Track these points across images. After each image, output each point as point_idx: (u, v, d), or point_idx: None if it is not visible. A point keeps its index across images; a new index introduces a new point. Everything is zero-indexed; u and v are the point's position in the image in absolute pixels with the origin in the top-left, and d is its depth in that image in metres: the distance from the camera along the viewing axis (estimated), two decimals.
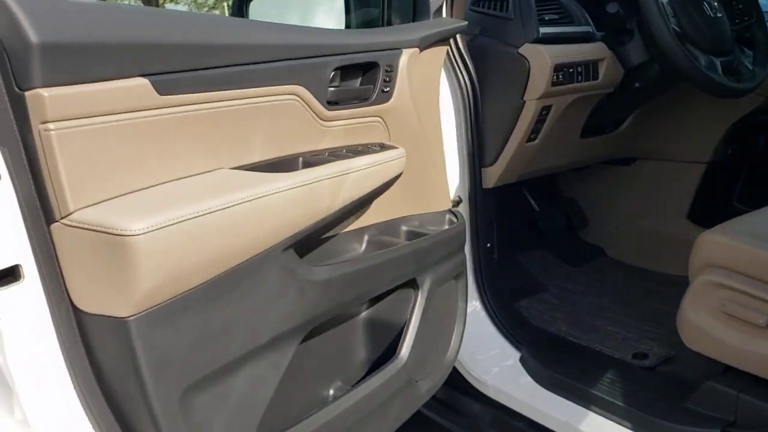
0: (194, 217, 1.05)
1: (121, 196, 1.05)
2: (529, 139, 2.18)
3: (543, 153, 2.27)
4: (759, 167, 2.82)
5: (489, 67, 2.08)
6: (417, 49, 1.69)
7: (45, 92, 0.93)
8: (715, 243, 1.60)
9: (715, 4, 2.22)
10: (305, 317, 1.33)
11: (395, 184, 1.71)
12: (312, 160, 1.42)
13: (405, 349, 1.65)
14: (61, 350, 1.04)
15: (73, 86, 0.96)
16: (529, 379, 2.05)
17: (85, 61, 0.97)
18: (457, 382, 2.16)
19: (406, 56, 1.64)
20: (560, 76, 2.07)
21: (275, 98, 1.33)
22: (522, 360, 2.13)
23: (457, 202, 2.10)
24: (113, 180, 1.04)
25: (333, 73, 1.47)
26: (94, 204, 1.01)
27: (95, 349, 1.06)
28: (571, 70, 2.13)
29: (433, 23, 1.83)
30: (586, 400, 1.84)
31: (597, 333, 2.29)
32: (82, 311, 1.04)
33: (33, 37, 0.91)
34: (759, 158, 2.80)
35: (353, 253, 1.65)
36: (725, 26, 2.26)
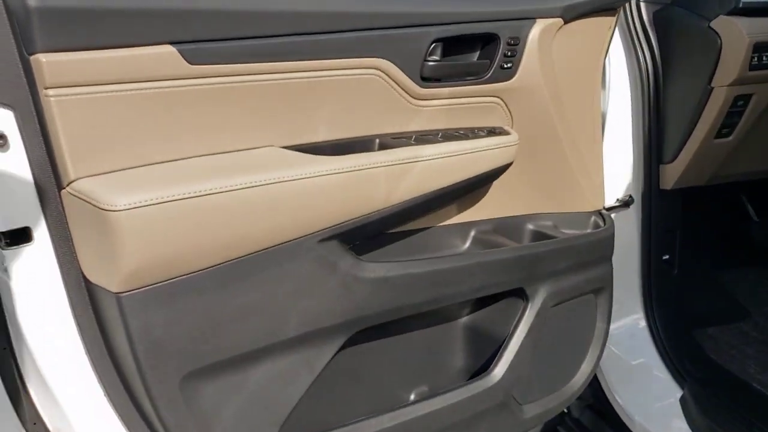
0: (190, 197, 0.96)
1: (132, 168, 1.00)
2: (720, 135, 1.77)
3: (744, 153, 1.84)
4: None
5: (674, 44, 1.72)
6: (559, 20, 1.42)
7: (43, 57, 0.91)
8: None
9: None
10: (350, 316, 1.19)
11: (516, 177, 1.48)
12: (389, 142, 1.26)
13: (502, 366, 1.43)
14: (72, 315, 1.03)
15: (79, 53, 0.92)
16: (684, 425, 1.69)
17: (92, 27, 0.93)
18: (601, 406, 1.87)
19: (539, 28, 1.39)
20: (762, 58, 1.63)
21: (347, 72, 1.19)
22: (682, 400, 1.77)
23: (625, 203, 1.79)
24: (125, 151, 0.99)
25: (432, 46, 1.29)
26: (96, 174, 0.97)
27: (102, 319, 1.04)
28: None
29: None
30: None
31: None
32: (89, 279, 1.03)
33: (32, 1, 0.89)
34: None
35: (452, 250, 1.46)
36: None
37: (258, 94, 1.10)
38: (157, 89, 1.00)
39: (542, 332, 1.51)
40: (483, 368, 1.46)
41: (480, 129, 1.38)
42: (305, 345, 1.16)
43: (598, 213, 1.63)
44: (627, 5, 1.70)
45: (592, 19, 1.50)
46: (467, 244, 1.49)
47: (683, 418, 1.70)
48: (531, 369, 1.51)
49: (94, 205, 0.92)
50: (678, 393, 1.78)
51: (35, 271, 1.00)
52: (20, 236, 0.98)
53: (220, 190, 1.00)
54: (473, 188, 1.38)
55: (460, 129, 1.36)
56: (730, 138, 1.79)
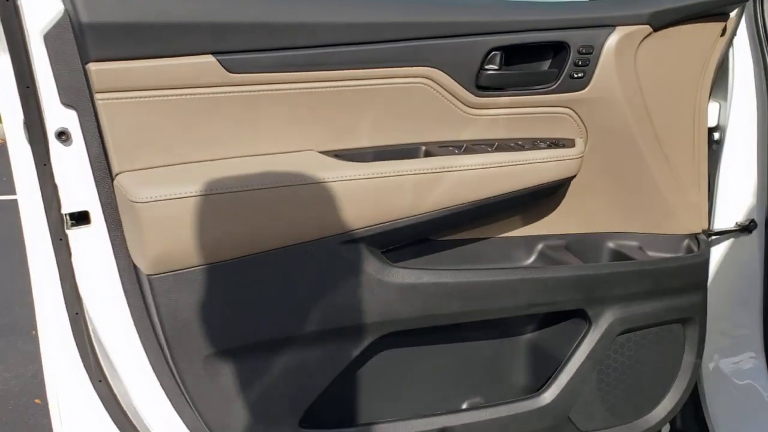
0: (209, 194, 1.06)
1: (169, 165, 1.12)
2: None
3: None
4: None
5: None
6: (646, 27, 1.33)
7: (94, 66, 1.05)
8: None
9: None
10: (375, 318, 1.22)
11: (594, 192, 1.40)
12: (434, 151, 1.26)
13: (555, 389, 1.38)
14: (123, 291, 1.18)
15: (126, 62, 1.06)
16: None
17: (137, 39, 1.05)
18: None
19: (618, 36, 1.31)
20: None
21: (393, 81, 1.22)
22: None
23: (746, 227, 1.61)
24: (165, 150, 1.11)
25: (491, 54, 1.27)
26: (137, 169, 1.10)
27: (144, 297, 1.18)
28: None
29: None
30: None
31: None
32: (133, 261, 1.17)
33: (84, 17, 1.03)
34: None
35: (513, 263, 1.43)
36: None
37: (298, 101, 1.17)
38: (197, 95, 1.11)
39: (610, 359, 1.42)
40: (537, 388, 1.41)
41: (542, 140, 1.33)
42: (328, 341, 1.22)
43: (694, 237, 1.49)
44: (757, 8, 1.52)
45: (693, 25, 1.38)
46: (531, 259, 1.44)
47: None
48: (595, 396, 1.42)
49: (126, 197, 1.06)
50: None
51: (93, 250, 1.16)
52: (82, 218, 1.15)
53: (239, 189, 1.09)
54: (531, 201, 1.34)
55: (520, 139, 1.32)
56: None
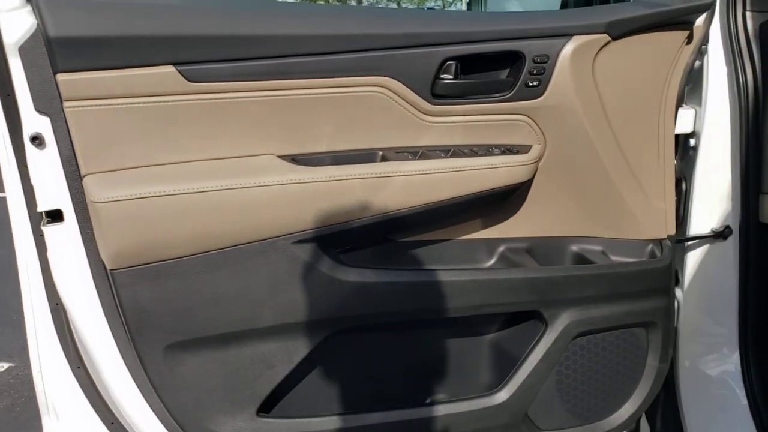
0: (166, 195, 1.15)
1: (131, 168, 1.21)
2: None
3: None
4: None
5: None
6: (603, 36, 1.36)
7: (61, 77, 1.15)
8: None
9: None
10: (328, 314, 1.28)
11: (554, 197, 1.44)
12: (390, 156, 1.32)
13: (510, 387, 1.42)
14: (94, 285, 1.27)
15: (90, 72, 1.15)
16: None
17: (101, 51, 1.14)
18: None
19: (574, 45, 1.35)
20: None
21: (349, 89, 1.28)
22: None
23: (720, 234, 1.62)
24: (128, 154, 1.20)
25: (446, 64, 1.32)
26: (102, 171, 1.19)
27: (112, 289, 1.27)
28: None
29: (654, 3, 1.43)
30: None
31: None
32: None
33: (51, 31, 1.13)
34: None
35: (473, 264, 1.47)
36: None
37: (257, 108, 1.25)
38: (159, 103, 1.20)
39: (570, 360, 1.45)
40: (495, 386, 1.45)
41: (497, 147, 1.37)
42: (284, 335, 1.29)
43: (658, 242, 1.51)
44: (730, 15, 1.53)
45: (655, 33, 1.41)
46: (492, 260, 1.49)
47: None
48: (554, 395, 1.46)
49: (88, 197, 1.15)
50: None
51: (66, 246, 1.26)
52: (56, 216, 1.25)
53: (194, 191, 1.17)
54: (485, 205, 1.39)
55: (475, 146, 1.37)
56: None
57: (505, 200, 1.41)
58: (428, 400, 1.47)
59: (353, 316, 1.31)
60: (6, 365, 3.01)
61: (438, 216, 1.35)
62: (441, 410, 1.41)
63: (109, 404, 1.38)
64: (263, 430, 1.34)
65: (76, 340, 1.37)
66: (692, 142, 1.59)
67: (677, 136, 1.59)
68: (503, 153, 1.36)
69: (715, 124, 1.57)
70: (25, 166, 1.24)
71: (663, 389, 1.70)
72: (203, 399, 1.29)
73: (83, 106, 1.16)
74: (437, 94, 1.33)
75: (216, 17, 1.21)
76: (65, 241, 1.26)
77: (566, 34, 1.35)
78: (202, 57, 1.20)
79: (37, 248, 1.30)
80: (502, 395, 1.42)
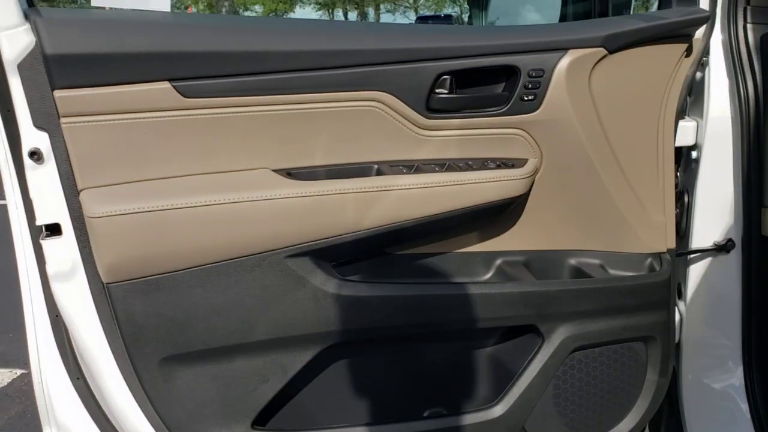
0: (159, 210, 1.16)
1: (126, 183, 1.22)
2: None
3: None
4: None
5: None
6: (600, 50, 1.36)
7: (58, 93, 1.17)
8: None
9: None
10: (322, 328, 1.29)
11: (552, 210, 1.44)
12: (385, 169, 1.33)
13: (506, 402, 1.41)
14: (92, 298, 1.29)
15: (86, 89, 1.17)
16: None
17: (96, 68, 1.16)
18: None
19: (570, 59, 1.34)
20: None
21: (344, 104, 1.29)
22: None
23: (723, 247, 1.61)
24: (124, 169, 1.21)
25: (441, 79, 1.33)
26: (98, 186, 1.21)
27: (109, 303, 1.29)
28: None
29: (652, 16, 1.42)
30: None
31: None
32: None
33: (48, 48, 1.15)
34: None
35: (470, 277, 1.47)
36: None
37: (251, 123, 1.26)
38: (154, 119, 1.22)
39: (567, 374, 1.45)
40: (491, 401, 1.45)
41: (493, 160, 1.38)
42: (278, 349, 1.30)
43: (657, 256, 1.50)
44: (731, 27, 1.53)
45: (653, 47, 1.40)
46: (489, 274, 1.48)
47: None
48: (552, 410, 1.45)
49: (84, 211, 1.17)
50: None
51: (64, 259, 1.28)
52: (54, 230, 1.27)
53: (188, 206, 1.18)
54: (481, 219, 1.39)
55: (471, 159, 1.37)
56: None
57: (501, 214, 1.41)
58: (424, 415, 1.47)
59: (347, 330, 1.31)
60: (19, 372, 3.05)
61: (433, 230, 1.36)
62: (436, 425, 1.41)
63: (108, 416, 1.39)
64: None
65: (76, 351, 1.39)
66: (694, 154, 1.58)
67: (679, 149, 1.58)
68: (498, 167, 1.36)
69: (716, 137, 1.56)
70: (25, 179, 1.27)
71: (666, 403, 1.69)
72: (198, 412, 1.30)
73: (80, 122, 1.18)
74: (432, 108, 1.33)
75: (210, 33, 1.23)
76: (63, 254, 1.28)
77: (562, 48, 1.35)
78: (197, 73, 1.21)
79: (37, 260, 1.32)
80: (498, 410, 1.42)
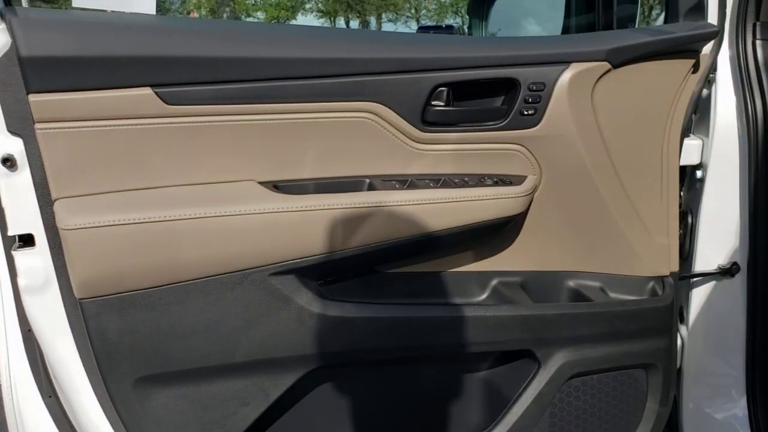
0: (136, 223, 1.10)
1: (104, 193, 1.16)
2: None
3: None
4: None
5: None
6: (604, 64, 1.30)
7: (33, 97, 1.10)
8: None
9: None
10: (306, 350, 1.22)
11: (549, 230, 1.38)
12: (377, 184, 1.27)
13: (501, 429, 1.35)
14: (65, 313, 1.23)
15: (63, 93, 1.11)
16: None
17: (75, 72, 1.10)
18: None
19: (572, 72, 1.29)
20: None
21: (336, 115, 1.23)
22: None
23: (727, 270, 1.55)
24: (102, 178, 1.15)
25: (438, 91, 1.27)
26: (74, 196, 1.15)
27: (84, 320, 1.22)
28: None
29: (658, 30, 1.37)
30: None
31: None
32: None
33: (23, 50, 1.09)
34: None
35: (464, 298, 1.41)
36: None
37: (238, 132, 1.20)
38: (135, 126, 1.15)
39: (564, 401, 1.38)
40: (485, 427, 1.38)
41: (490, 176, 1.32)
42: (259, 372, 1.23)
43: (660, 279, 1.44)
44: (740, 43, 1.47)
45: (658, 62, 1.34)
46: (484, 295, 1.42)
47: None
48: None
49: (57, 222, 1.10)
50: None
51: (37, 272, 1.21)
52: (27, 241, 1.20)
53: (167, 219, 1.12)
54: (477, 237, 1.32)
55: (467, 175, 1.31)
56: None
57: (497, 233, 1.35)
58: None
59: (333, 352, 1.25)
60: None
61: (427, 248, 1.30)
62: None
63: None
64: None
65: (48, 369, 1.32)
66: (699, 174, 1.52)
67: (683, 168, 1.52)
68: (496, 184, 1.30)
69: (722, 156, 1.50)
70: None
71: None
72: None
73: (56, 128, 1.12)
74: (428, 121, 1.28)
75: (196, 38, 1.17)
76: (36, 266, 1.21)
77: (564, 61, 1.29)
78: (180, 79, 1.15)
79: (9, 272, 1.25)
80: None
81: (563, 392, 1.37)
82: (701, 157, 1.51)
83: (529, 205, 1.34)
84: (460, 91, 1.29)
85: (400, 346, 1.27)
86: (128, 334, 1.16)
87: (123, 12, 1.32)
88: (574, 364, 1.35)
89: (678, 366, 1.58)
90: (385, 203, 1.22)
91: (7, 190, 1.17)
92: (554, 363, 1.34)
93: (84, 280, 1.12)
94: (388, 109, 1.25)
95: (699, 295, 1.57)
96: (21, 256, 1.20)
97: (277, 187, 1.23)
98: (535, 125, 1.30)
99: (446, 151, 1.30)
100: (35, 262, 1.21)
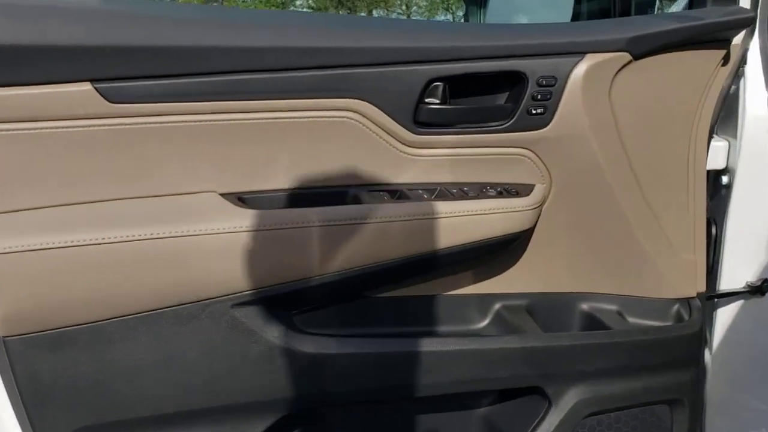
0: (68, 247, 0.91)
1: (36, 209, 0.97)
2: None
3: None
4: None
5: None
6: (624, 55, 1.12)
7: None
8: None
9: None
10: (277, 393, 1.04)
11: (559, 247, 1.20)
12: (362, 196, 1.08)
13: None
14: None
15: None
16: None
17: (3, 65, 0.91)
18: None
19: (588, 64, 1.11)
20: None
21: (312, 114, 1.05)
22: None
23: (755, 288, 1.37)
24: (34, 191, 0.96)
25: (432, 86, 1.08)
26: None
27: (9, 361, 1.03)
28: None
29: (685, 16, 1.19)
30: None
31: None
32: None
33: None
34: None
35: (464, 325, 1.23)
36: None
37: (196, 135, 1.01)
38: (73, 129, 0.96)
39: None
40: None
41: (493, 186, 1.13)
42: (221, 420, 1.04)
43: (686, 301, 1.26)
44: None
45: (684, 52, 1.17)
46: (485, 321, 1.24)
47: None
48: None
49: None
50: None
51: None
52: None
53: (107, 241, 0.93)
54: (480, 257, 1.14)
55: (466, 184, 1.13)
56: None
57: (502, 251, 1.17)
58: None
59: (310, 395, 1.06)
60: None
61: (420, 270, 1.11)
62: None
63: None
64: None
65: None
66: (724, 179, 1.35)
67: (707, 173, 1.35)
68: (500, 194, 1.12)
69: (751, 160, 1.32)
70: None
71: None
72: None
73: None
74: (421, 121, 1.09)
75: (146, 24, 0.98)
76: None
77: (578, 52, 1.11)
78: (126, 72, 0.96)
79: None
80: None
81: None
82: (727, 161, 1.33)
83: (538, 218, 1.16)
84: (458, 87, 1.11)
85: (389, 387, 1.09)
86: (64, 378, 0.97)
87: None
88: (590, 401, 1.17)
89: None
90: (371, 219, 1.03)
91: None
92: (567, 401, 1.16)
93: (8, 315, 0.92)
94: (373, 107, 1.06)
95: (724, 317, 1.39)
96: None
97: (243, 200, 1.04)
98: (544, 126, 1.12)
99: (442, 156, 1.12)
100: None
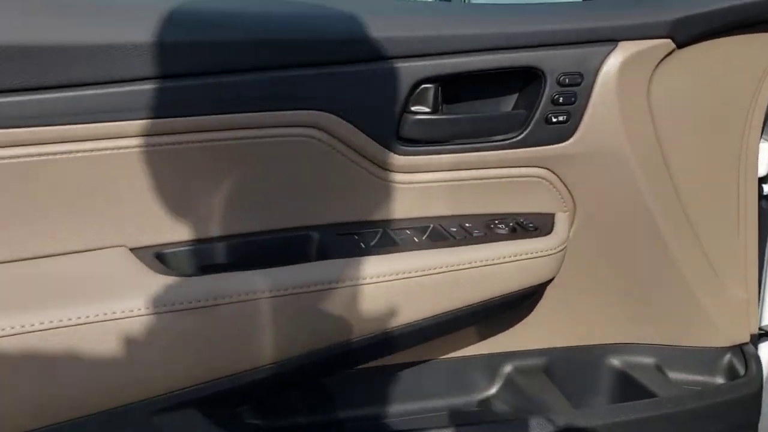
0: None
1: None
2: None
3: None
4: None
5: None
6: (666, 42, 0.86)
7: None
8: None
9: None
10: None
11: (586, 293, 0.94)
12: (333, 242, 0.80)
13: None
14: None
15: None
16: None
17: None
18: None
19: (622, 56, 0.85)
20: None
21: (260, 134, 0.76)
22: None
23: None
24: None
25: (420, 89, 0.81)
26: None
27: None
28: None
29: None
30: None
31: None
32: None
33: None
34: None
35: (469, 394, 0.96)
36: None
37: (95, 168, 0.71)
38: None
39: None
40: None
41: (502, 219, 0.86)
42: None
43: (738, 349, 1.01)
44: None
45: (736, 37, 0.91)
46: (494, 388, 0.98)
47: None
48: None
49: None
50: None
51: None
52: None
53: None
54: (487, 316, 0.87)
55: (467, 219, 0.86)
56: None
57: (516, 308, 0.90)
58: None
59: None
60: None
61: (408, 343, 0.83)
62: None
63: None
64: None
65: None
66: (766, 188, 1.11)
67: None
68: (513, 231, 0.85)
69: None
70: None
71: None
72: None
73: None
74: (406, 137, 0.81)
75: (16, 15, 0.68)
76: None
77: (610, 39, 0.85)
78: None
79: None
80: None
81: None
82: None
83: (562, 262, 0.89)
84: (454, 90, 0.84)
85: None
86: None
87: None
88: None
89: None
90: (344, 282, 0.74)
91: None
92: None
93: None
94: (342, 120, 0.78)
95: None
96: None
97: (161, 257, 0.75)
98: (566, 138, 0.86)
99: (435, 182, 0.84)
100: None
